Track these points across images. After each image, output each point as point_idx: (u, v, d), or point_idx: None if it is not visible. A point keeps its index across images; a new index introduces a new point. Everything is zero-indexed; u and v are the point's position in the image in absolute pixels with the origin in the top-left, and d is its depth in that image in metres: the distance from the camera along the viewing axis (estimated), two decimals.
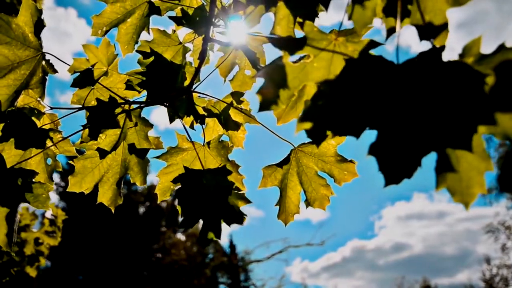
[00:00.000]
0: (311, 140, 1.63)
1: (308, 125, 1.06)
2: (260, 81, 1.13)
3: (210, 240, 1.54)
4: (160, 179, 1.73)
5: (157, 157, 1.73)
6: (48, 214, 4.63)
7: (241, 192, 1.58)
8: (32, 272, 4.58)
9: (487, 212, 48.39)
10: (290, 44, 1.12)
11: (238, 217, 1.55)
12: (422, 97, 0.98)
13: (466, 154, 0.95)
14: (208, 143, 1.75)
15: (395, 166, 0.97)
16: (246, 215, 1.56)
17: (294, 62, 1.12)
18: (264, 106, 1.14)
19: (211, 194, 1.56)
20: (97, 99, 1.53)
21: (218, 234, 1.55)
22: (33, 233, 4.51)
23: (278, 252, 25.38)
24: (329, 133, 1.60)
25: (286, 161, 1.65)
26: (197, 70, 1.54)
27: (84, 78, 1.50)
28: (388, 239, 49.97)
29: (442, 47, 0.99)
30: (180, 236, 24.71)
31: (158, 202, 1.75)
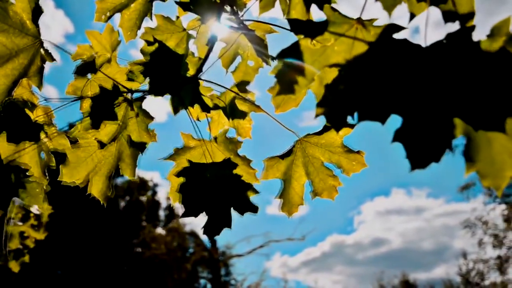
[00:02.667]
0: (316, 131, 1.61)
1: (327, 110, 1.03)
2: (266, 72, 1.08)
3: (219, 229, 1.50)
4: (171, 182, 1.67)
5: (165, 158, 1.67)
6: (34, 208, 4.51)
7: (248, 182, 1.54)
8: (15, 267, 4.46)
9: (464, 207, 49.33)
10: (311, 28, 1.07)
11: (250, 206, 1.51)
12: (451, 79, 0.95)
13: (499, 136, 0.92)
14: (215, 138, 1.70)
15: (423, 151, 0.94)
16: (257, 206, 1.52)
17: (314, 45, 1.08)
18: (283, 90, 1.10)
19: (217, 185, 1.52)
20: (100, 87, 1.47)
21: (228, 223, 1.51)
22: (19, 227, 4.39)
23: (259, 246, 25.43)
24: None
25: (290, 152, 1.61)
26: (206, 56, 1.49)
27: (87, 65, 1.43)
28: (367, 234, 50.52)
29: (472, 27, 0.96)
30: (161, 231, 24.57)
31: (172, 205, 1.69)
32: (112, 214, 21.94)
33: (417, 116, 0.95)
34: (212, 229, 1.53)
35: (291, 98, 1.63)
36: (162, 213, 25.71)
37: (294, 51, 1.08)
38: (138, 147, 1.61)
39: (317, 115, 1.02)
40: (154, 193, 25.38)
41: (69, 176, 1.64)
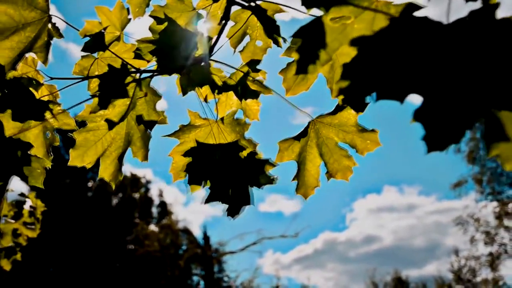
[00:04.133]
0: (329, 111, 1.60)
1: (346, 89, 1.01)
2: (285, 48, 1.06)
3: (239, 208, 1.49)
4: (174, 158, 1.65)
5: (169, 135, 1.65)
6: (27, 205, 4.44)
7: (263, 158, 1.52)
8: (6, 265, 4.40)
9: (456, 205, 49.53)
10: (329, 1, 1.05)
11: (268, 178, 1.50)
12: (474, 57, 0.93)
13: None
14: (222, 119, 1.68)
15: (443, 132, 0.92)
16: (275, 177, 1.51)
17: (334, 23, 1.06)
18: (301, 69, 1.08)
19: (230, 166, 1.50)
20: (109, 65, 1.45)
21: (247, 201, 1.50)
22: (12, 224, 4.33)
23: (252, 243, 25.43)
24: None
25: (304, 133, 1.59)
26: (219, 35, 1.46)
27: (96, 42, 1.41)
28: (359, 232, 50.66)
29: (496, 4, 0.94)
30: (153, 228, 24.51)
31: (173, 182, 1.67)
32: (104, 211, 21.85)
33: (438, 95, 0.93)
34: (233, 209, 1.51)
35: (302, 81, 1.61)
36: (155, 210, 25.67)
37: (314, 28, 1.06)
38: (147, 126, 1.58)
39: (335, 95, 1.00)
40: (147, 190, 25.34)
41: (79, 160, 1.62)
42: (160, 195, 26.10)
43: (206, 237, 25.05)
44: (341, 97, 1.62)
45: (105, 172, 1.66)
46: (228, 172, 1.53)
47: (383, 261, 48.25)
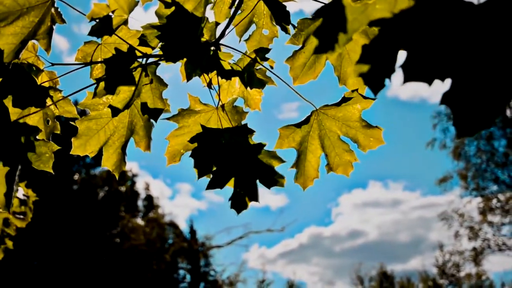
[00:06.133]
0: (334, 102, 1.58)
1: (366, 70, 0.99)
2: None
3: (246, 203, 1.46)
4: (170, 141, 1.62)
5: (168, 119, 1.62)
6: (20, 194, 4.38)
7: (273, 150, 1.49)
8: None
9: (440, 200, 50.09)
10: None
11: (275, 179, 1.47)
12: (506, 39, 0.91)
13: None
14: (223, 106, 1.65)
15: (473, 116, 0.91)
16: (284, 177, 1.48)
17: (355, 3, 1.04)
18: (321, 49, 1.06)
19: (236, 153, 1.47)
20: (116, 49, 1.41)
21: (255, 197, 1.47)
22: (2, 213, 4.27)
23: (239, 237, 25.48)
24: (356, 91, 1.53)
25: (306, 121, 1.57)
26: (231, 19, 1.43)
27: (103, 26, 1.37)
28: (345, 226, 50.99)
29: None
30: (140, 221, 24.38)
31: (167, 166, 1.64)
32: (90, 204, 21.67)
33: (468, 78, 0.91)
34: (239, 203, 1.48)
35: (310, 70, 1.59)
36: (141, 204, 25.53)
37: (335, 7, 1.04)
38: (152, 114, 1.55)
39: (357, 76, 0.98)
40: (133, 183, 25.16)
41: (81, 149, 1.58)
42: (147, 188, 25.98)
43: (192, 231, 25.02)
44: (352, 83, 1.61)
45: (108, 162, 1.63)
46: (235, 158, 1.51)
47: (368, 256, 48.63)
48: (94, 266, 20.46)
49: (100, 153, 1.63)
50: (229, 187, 1.53)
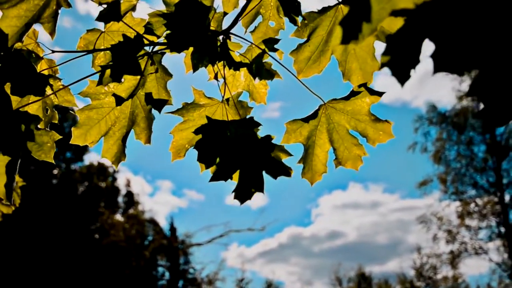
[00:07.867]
0: (343, 96, 1.56)
1: (393, 60, 0.97)
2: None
3: (251, 193, 1.43)
4: (175, 136, 1.59)
5: (172, 112, 1.59)
6: None
7: (280, 143, 1.47)
8: None
9: (418, 203, 50.66)
10: None
11: (283, 169, 1.45)
12: None
13: None
14: (228, 100, 1.62)
15: (502, 106, 0.89)
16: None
17: None
18: (346, 39, 1.04)
19: (242, 145, 1.45)
20: (124, 35, 1.37)
21: (260, 187, 1.45)
22: None
23: (219, 236, 25.41)
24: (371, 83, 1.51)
25: (314, 116, 1.55)
26: (244, 7, 1.40)
27: (111, 11, 1.33)
28: (324, 227, 51.23)
29: None
30: (119, 218, 24.15)
31: (172, 162, 1.61)
32: (70, 199, 21.38)
33: (497, 66, 0.90)
34: (243, 193, 1.46)
35: (315, 64, 1.57)
36: (121, 200, 25.29)
37: None
38: (157, 105, 1.51)
39: (382, 66, 0.96)
40: (114, 179, 24.91)
41: (81, 139, 1.54)
42: (127, 185, 25.74)
43: (172, 228, 24.85)
44: (356, 79, 1.59)
45: (108, 153, 1.59)
46: (241, 151, 1.48)
47: (347, 257, 48.99)
48: (73, 262, 20.19)
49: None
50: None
